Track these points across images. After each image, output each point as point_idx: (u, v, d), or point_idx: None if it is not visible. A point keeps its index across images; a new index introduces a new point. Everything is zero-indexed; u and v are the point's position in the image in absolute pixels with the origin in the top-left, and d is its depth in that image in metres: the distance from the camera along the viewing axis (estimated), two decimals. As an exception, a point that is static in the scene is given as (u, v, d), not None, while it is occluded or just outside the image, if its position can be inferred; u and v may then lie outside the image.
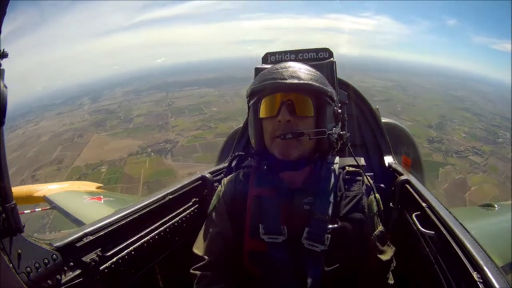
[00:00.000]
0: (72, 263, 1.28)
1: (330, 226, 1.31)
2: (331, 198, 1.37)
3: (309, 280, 1.25)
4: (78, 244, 1.32)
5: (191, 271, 1.42)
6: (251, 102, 1.45)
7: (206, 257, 1.42)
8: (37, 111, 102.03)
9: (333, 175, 1.44)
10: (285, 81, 1.30)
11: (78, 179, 41.77)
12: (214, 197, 1.60)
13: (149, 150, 52.15)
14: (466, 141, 53.51)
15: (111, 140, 58.10)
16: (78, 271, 1.29)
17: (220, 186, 1.63)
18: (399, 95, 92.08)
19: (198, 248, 1.48)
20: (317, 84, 1.34)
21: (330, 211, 1.33)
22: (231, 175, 1.66)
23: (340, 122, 1.50)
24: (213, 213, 1.54)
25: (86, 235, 1.36)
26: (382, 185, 2.22)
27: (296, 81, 1.30)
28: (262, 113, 1.38)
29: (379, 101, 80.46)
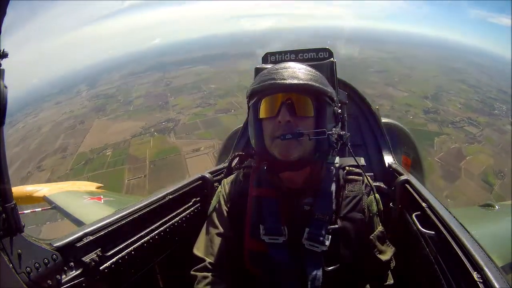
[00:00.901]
0: (72, 263, 1.29)
1: (330, 226, 1.32)
2: (331, 198, 1.38)
3: (309, 281, 1.26)
4: (78, 244, 1.32)
5: (192, 272, 1.42)
6: (251, 102, 1.45)
7: (206, 258, 1.43)
8: (35, 103, 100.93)
9: (333, 175, 1.45)
10: (285, 81, 1.30)
11: (85, 164, 42.96)
12: (214, 198, 1.61)
13: (152, 130, 52.66)
14: (461, 112, 53.99)
15: (113, 124, 58.48)
16: (78, 271, 1.30)
17: (220, 186, 1.64)
18: (396, 66, 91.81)
19: (199, 249, 1.48)
20: (317, 85, 1.34)
21: (330, 211, 1.35)
22: (231, 176, 1.68)
23: (340, 122, 1.50)
24: (213, 214, 1.55)
25: (86, 235, 1.37)
26: (382, 185, 2.23)
27: (296, 81, 1.31)
28: (262, 114, 1.38)
29: (375, 72, 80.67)
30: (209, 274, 1.38)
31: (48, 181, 38.99)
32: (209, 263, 1.41)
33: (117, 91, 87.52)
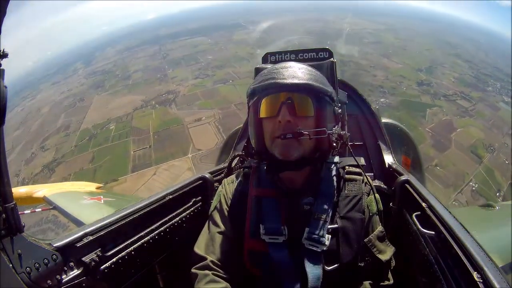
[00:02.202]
0: (72, 263, 1.29)
1: (330, 226, 1.32)
2: (331, 198, 1.38)
3: (309, 280, 1.26)
4: (78, 244, 1.32)
5: (192, 270, 1.42)
6: (251, 102, 1.45)
7: (207, 256, 1.41)
8: (31, 86, 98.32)
9: (333, 175, 1.45)
10: (285, 81, 1.31)
11: (89, 140, 43.76)
12: (215, 197, 1.61)
13: (153, 102, 53.48)
14: (455, 86, 54.64)
15: (113, 99, 58.76)
16: (78, 271, 1.30)
17: (221, 186, 1.65)
18: (391, 38, 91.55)
19: (199, 247, 1.47)
20: (317, 84, 1.34)
21: (330, 211, 1.35)
22: (231, 176, 1.68)
23: (340, 122, 1.50)
24: (214, 213, 1.55)
25: (86, 235, 1.37)
26: (382, 185, 2.25)
27: (296, 81, 1.31)
28: (262, 113, 1.38)
29: (369, 43, 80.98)
30: (210, 272, 1.37)
31: (54, 160, 39.84)
32: (211, 261, 1.40)
33: (114, 66, 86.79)
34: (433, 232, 1.48)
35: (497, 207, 3.30)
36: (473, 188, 31.40)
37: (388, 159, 2.59)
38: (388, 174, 2.42)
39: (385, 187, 2.22)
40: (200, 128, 42.61)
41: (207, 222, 1.57)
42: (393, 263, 1.50)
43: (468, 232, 1.32)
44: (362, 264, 1.40)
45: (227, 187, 1.60)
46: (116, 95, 61.16)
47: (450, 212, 1.51)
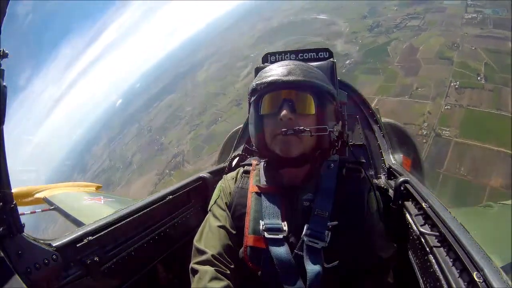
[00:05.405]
0: (72, 263, 1.28)
1: (330, 222, 1.31)
2: (331, 195, 1.37)
3: (309, 277, 1.24)
4: (78, 244, 1.32)
5: (192, 265, 1.38)
6: (252, 99, 1.45)
7: (207, 250, 1.38)
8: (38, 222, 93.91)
9: (333, 172, 1.45)
10: (285, 78, 1.31)
11: None
12: (215, 191, 1.61)
13: (167, 171, 55.66)
14: (399, 13, 56.19)
15: (129, 187, 60.52)
16: (78, 271, 1.30)
17: (221, 181, 1.64)
18: (323, 4, 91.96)
19: (199, 241, 1.45)
20: (318, 81, 1.35)
21: (330, 207, 1.34)
22: (232, 172, 1.67)
23: (340, 121, 1.50)
24: (214, 207, 1.54)
25: (86, 235, 1.37)
26: (382, 185, 2.24)
27: (297, 78, 1.31)
28: (263, 110, 1.39)
29: (312, 20, 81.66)
30: (212, 268, 1.34)
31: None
32: (211, 255, 1.37)
33: (111, 161, 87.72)
34: (433, 232, 1.46)
35: (496, 207, 3.16)
36: (456, 86, 33.17)
37: (388, 159, 2.58)
38: (388, 174, 2.42)
39: (385, 187, 2.21)
40: (220, 169, 44.55)
41: (207, 216, 1.57)
42: (395, 261, 1.49)
43: (468, 232, 1.30)
44: (363, 262, 1.38)
45: (228, 183, 1.60)
46: (130, 183, 62.65)
47: (450, 212, 1.48)
